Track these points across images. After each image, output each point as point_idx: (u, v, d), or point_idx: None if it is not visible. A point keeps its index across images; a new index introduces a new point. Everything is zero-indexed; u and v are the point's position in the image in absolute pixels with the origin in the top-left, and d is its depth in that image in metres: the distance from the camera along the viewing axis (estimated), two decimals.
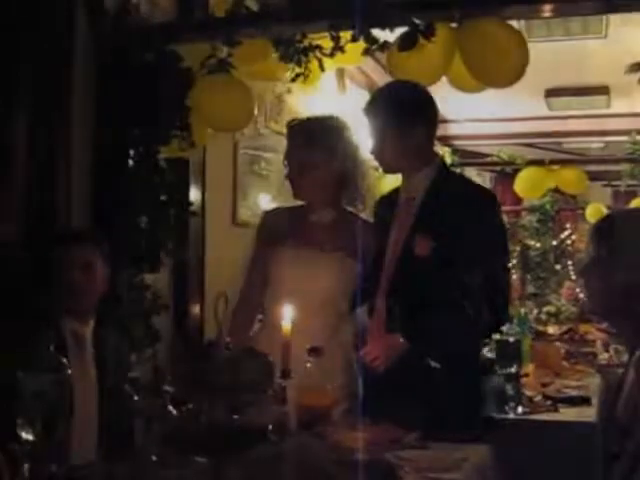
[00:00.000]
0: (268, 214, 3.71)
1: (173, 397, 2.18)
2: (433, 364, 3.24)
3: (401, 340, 3.26)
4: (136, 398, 2.08)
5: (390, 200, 3.67)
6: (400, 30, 3.86)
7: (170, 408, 2.15)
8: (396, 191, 3.71)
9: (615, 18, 6.88)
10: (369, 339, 3.38)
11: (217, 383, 2.28)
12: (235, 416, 2.20)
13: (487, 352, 4.23)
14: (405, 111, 3.48)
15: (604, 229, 2.16)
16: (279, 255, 3.46)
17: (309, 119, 3.75)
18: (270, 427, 2.19)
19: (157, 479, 1.86)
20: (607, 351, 5.87)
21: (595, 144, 10.26)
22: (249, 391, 2.31)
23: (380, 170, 3.71)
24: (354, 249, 3.40)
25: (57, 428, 1.89)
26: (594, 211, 9.95)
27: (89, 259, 3.20)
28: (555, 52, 7.35)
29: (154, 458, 1.84)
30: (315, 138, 3.53)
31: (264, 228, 3.61)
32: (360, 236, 3.42)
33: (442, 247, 3.29)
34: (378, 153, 3.56)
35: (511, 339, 3.94)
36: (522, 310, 5.99)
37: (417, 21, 3.75)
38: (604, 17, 6.96)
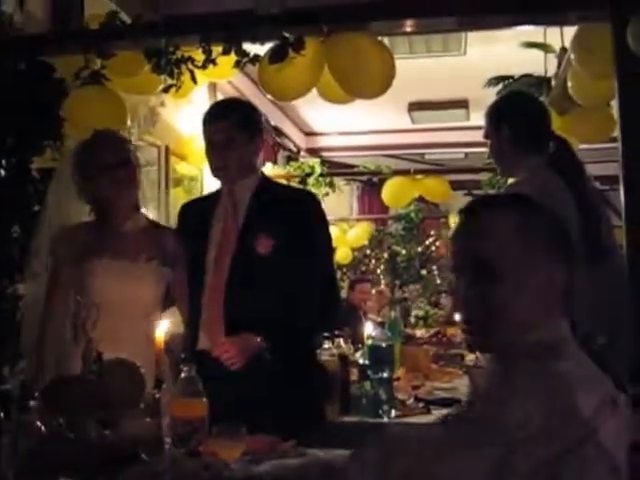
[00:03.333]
0: (66, 231, 3.51)
1: (42, 413, 2.03)
2: (267, 357, 3.18)
3: (258, 340, 3.18)
4: (1, 415, 1.93)
5: (199, 208, 3.62)
6: (270, 44, 3.84)
7: (38, 424, 2.00)
8: (203, 200, 3.77)
9: (473, 36, 7.00)
10: (212, 341, 3.28)
11: (87, 397, 2.15)
12: (106, 431, 2.07)
13: (359, 357, 4.17)
14: (254, 120, 3.48)
15: None
16: (97, 268, 3.30)
17: None
18: (143, 442, 2.06)
19: None
20: (473, 352, 5.89)
21: (456, 155, 10.43)
22: (120, 404, 2.18)
23: None
24: (164, 256, 3.36)
25: None
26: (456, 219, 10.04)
27: None
28: (417, 68, 7.43)
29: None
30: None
31: (65, 244, 3.42)
32: (173, 242, 3.41)
33: (280, 245, 3.28)
34: (224, 158, 3.46)
35: (383, 344, 3.88)
36: (392, 314, 5.96)
37: (287, 35, 3.74)
38: (463, 35, 7.07)
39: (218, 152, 3.46)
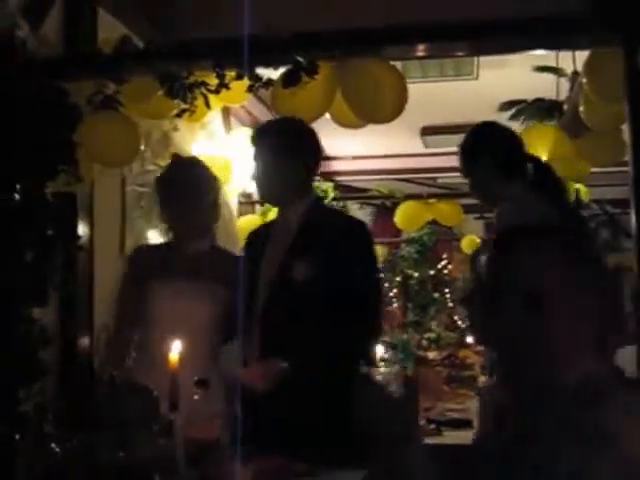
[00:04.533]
0: (136, 251, 3.65)
1: (56, 435, 2.04)
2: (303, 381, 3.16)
3: (281, 364, 3.18)
4: (17, 437, 1.94)
5: (260, 234, 3.66)
6: (284, 68, 3.84)
7: (53, 446, 2.01)
8: (266, 226, 3.75)
9: (485, 60, 7.01)
10: (248, 365, 3.33)
11: (101, 418, 2.15)
12: (120, 453, 2.07)
13: None
14: (286, 145, 3.45)
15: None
16: (155, 290, 3.39)
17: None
18: (156, 463, 2.06)
19: None
20: (485, 374, 5.87)
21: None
22: (134, 426, 2.19)
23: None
24: (227, 280, 3.38)
25: None
26: (469, 242, 10.04)
27: None
28: (430, 92, 7.43)
29: None
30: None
31: (133, 265, 3.55)
32: (233, 267, 3.39)
33: (319, 273, 3.26)
34: (261, 183, 3.52)
35: (396, 367, 3.88)
36: (404, 337, 5.97)
37: (300, 59, 3.74)
38: (475, 59, 7.08)
39: (257, 176, 3.49)
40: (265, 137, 3.53)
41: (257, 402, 3.13)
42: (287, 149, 3.45)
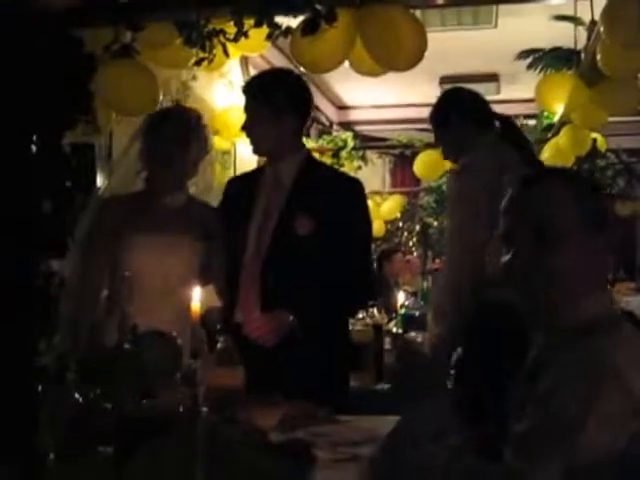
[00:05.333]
0: (109, 202, 3.53)
1: (78, 384, 2.03)
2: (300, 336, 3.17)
3: (290, 317, 3.17)
4: (39, 388, 1.93)
5: (243, 185, 3.59)
6: (303, 16, 3.80)
7: (76, 396, 2.00)
8: (247, 177, 3.68)
9: (504, 9, 6.94)
10: (244, 317, 3.28)
11: (123, 367, 2.14)
12: (143, 401, 2.06)
13: (393, 326, 4.18)
14: (279, 97, 3.37)
15: None
16: (133, 241, 3.31)
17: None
18: (180, 411, 2.05)
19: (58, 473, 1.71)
20: None
21: None
22: (157, 374, 2.18)
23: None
24: (205, 232, 3.35)
25: None
26: None
27: None
28: (448, 41, 7.36)
29: (52, 456, 1.69)
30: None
31: (107, 215, 3.44)
32: (212, 219, 3.40)
33: (321, 227, 3.25)
34: (254, 134, 3.46)
35: (416, 313, 3.91)
36: (424, 284, 5.98)
37: (319, 7, 3.69)
38: (494, 8, 7.01)
39: (252, 129, 3.45)
40: (257, 88, 3.47)
41: (268, 351, 3.15)
42: (278, 101, 3.37)
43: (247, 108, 3.45)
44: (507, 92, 9.09)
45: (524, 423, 1.66)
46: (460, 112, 3.89)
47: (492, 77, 9.12)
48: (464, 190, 3.78)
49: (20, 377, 2.39)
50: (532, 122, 8.54)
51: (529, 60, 8.05)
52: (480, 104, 3.99)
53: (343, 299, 3.33)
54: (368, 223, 3.57)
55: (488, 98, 7.82)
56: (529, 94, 6.15)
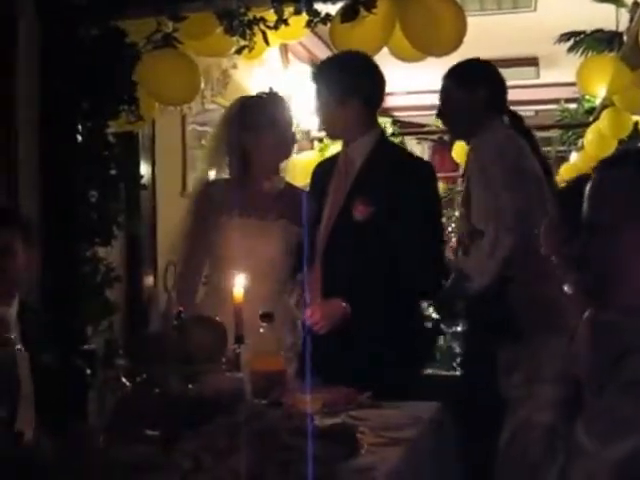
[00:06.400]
0: (206, 186, 3.54)
1: (126, 369, 2.06)
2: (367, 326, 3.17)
3: (343, 305, 3.18)
4: (88, 371, 1.96)
5: (327, 168, 3.61)
6: (342, 3, 3.78)
7: (123, 380, 2.03)
8: (331, 160, 3.69)
9: None
10: (310, 302, 3.31)
11: (170, 353, 2.17)
12: (189, 386, 2.09)
13: (433, 313, 4.17)
14: (345, 79, 3.39)
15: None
16: (225, 225, 3.34)
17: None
18: (224, 395, 2.08)
19: (108, 456, 1.74)
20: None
21: (526, 113, 10.28)
22: (203, 359, 2.20)
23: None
24: (296, 216, 3.33)
25: (6, 403, 1.76)
26: None
27: (8, 243, 2.98)
28: (487, 25, 7.29)
29: (101, 439, 1.71)
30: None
31: (203, 199, 3.46)
32: (303, 203, 3.34)
33: (380, 212, 3.23)
34: (322, 119, 3.53)
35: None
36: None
37: None
38: None
39: (319, 113, 3.48)
40: (320, 74, 3.49)
41: (321, 339, 3.14)
42: (346, 84, 3.39)
43: (316, 94, 3.49)
44: (547, 76, 9.01)
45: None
46: (484, 85, 3.76)
47: (532, 61, 9.03)
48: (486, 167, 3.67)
49: (69, 361, 2.43)
50: (573, 106, 8.48)
51: (569, 43, 7.95)
52: (504, 84, 3.87)
53: (414, 282, 3.27)
54: (438, 205, 3.53)
55: (527, 82, 7.76)
56: (569, 78, 6.10)
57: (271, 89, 3.67)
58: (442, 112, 3.88)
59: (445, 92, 3.78)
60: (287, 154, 3.52)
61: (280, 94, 3.62)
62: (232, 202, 3.34)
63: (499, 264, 3.33)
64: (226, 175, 3.55)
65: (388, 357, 3.18)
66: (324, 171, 3.59)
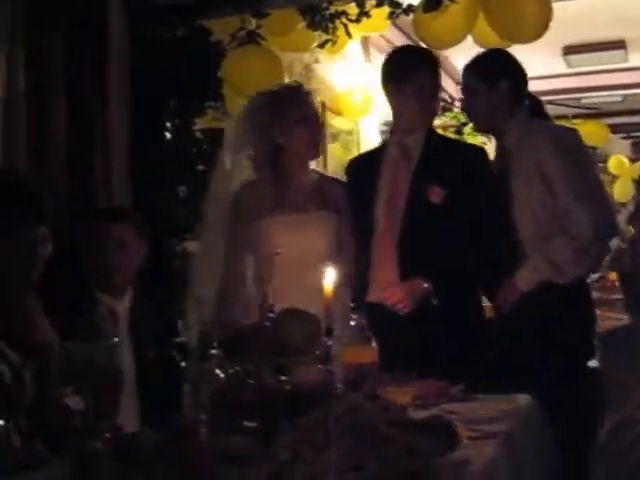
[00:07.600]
0: (241, 190, 3.49)
1: (220, 361, 2.09)
2: (435, 302, 3.20)
3: (425, 285, 3.20)
4: (183, 364, 2.00)
5: (367, 160, 3.65)
6: None
7: (217, 372, 2.06)
8: (370, 153, 3.77)
9: None
10: (380, 287, 3.31)
11: (264, 345, 2.19)
12: (283, 377, 2.11)
13: None
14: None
15: None
16: (269, 225, 3.31)
17: None
18: (318, 387, 2.10)
19: (207, 444, 1.77)
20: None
21: (613, 98, 10.10)
22: (297, 352, 2.22)
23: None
24: (335, 206, 3.36)
25: (107, 396, 1.81)
26: (616, 162, 9.78)
27: (124, 238, 3.06)
28: (571, 9, 7.18)
29: (204, 417, 1.75)
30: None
31: (241, 203, 3.43)
32: (343, 193, 3.40)
33: (452, 194, 3.26)
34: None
35: None
36: None
37: None
38: None
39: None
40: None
41: (403, 327, 3.16)
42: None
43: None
44: (636, 59, 8.83)
45: None
46: (510, 77, 3.64)
47: (619, 44, 8.85)
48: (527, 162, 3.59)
49: (163, 354, 2.48)
50: None
51: None
52: (525, 75, 3.75)
53: (486, 266, 3.29)
54: (498, 188, 3.50)
55: (615, 66, 7.60)
56: None
57: (296, 82, 3.62)
58: (465, 105, 3.87)
59: (467, 85, 3.70)
60: (318, 147, 3.46)
61: (300, 86, 3.53)
62: (271, 202, 3.33)
63: None
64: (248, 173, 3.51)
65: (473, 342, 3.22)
66: (362, 167, 3.60)
